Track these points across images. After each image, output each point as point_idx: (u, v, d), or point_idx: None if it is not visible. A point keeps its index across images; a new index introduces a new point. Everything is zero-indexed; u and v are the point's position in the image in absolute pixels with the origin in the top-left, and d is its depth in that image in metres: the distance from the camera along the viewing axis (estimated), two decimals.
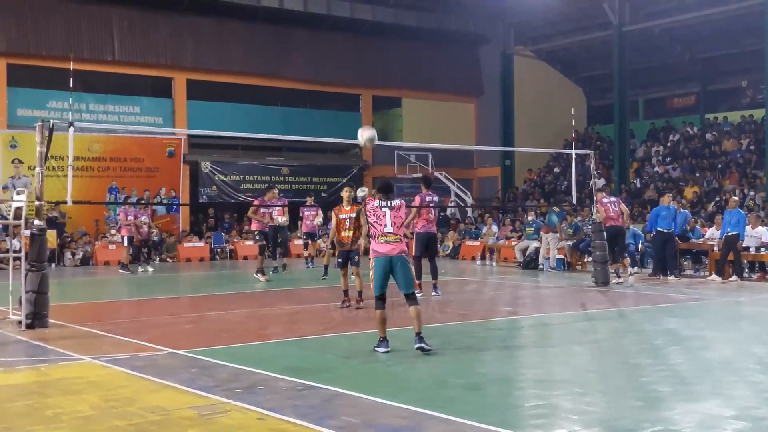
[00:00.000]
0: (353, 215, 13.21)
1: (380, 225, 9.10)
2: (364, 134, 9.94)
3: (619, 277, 17.42)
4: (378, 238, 9.09)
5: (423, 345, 8.76)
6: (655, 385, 7.26)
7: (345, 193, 13.47)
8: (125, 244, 22.08)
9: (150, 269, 22.16)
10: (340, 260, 13.34)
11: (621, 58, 31.54)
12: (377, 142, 10.54)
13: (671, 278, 18.49)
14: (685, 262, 20.60)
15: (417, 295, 12.40)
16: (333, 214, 13.57)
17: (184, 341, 9.81)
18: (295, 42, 31.87)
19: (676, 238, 19.45)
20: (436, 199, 15.67)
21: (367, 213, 9.30)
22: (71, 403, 6.72)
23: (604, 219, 17.59)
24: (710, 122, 33.73)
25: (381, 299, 9.01)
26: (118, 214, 23.57)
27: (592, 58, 36.67)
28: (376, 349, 8.91)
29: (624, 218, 18.49)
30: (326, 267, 18.97)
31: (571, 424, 6.00)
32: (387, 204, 9.18)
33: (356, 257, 13.35)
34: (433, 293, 14.60)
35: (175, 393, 7.06)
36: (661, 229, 18.89)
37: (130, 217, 21.76)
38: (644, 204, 27.84)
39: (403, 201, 9.44)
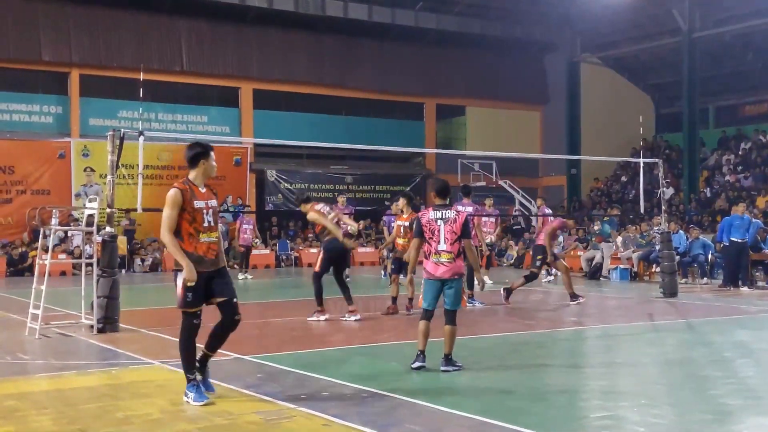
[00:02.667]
0: (407, 224, 13.27)
1: (434, 241, 8.28)
2: None
3: (550, 275, 20.28)
4: (431, 256, 8.30)
5: (448, 368, 8.27)
6: (725, 398, 7.11)
7: (401, 204, 13.78)
8: None
9: (249, 276, 22.02)
10: (393, 266, 13.53)
11: (691, 65, 31.00)
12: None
13: (744, 289, 18.10)
14: (757, 273, 20.10)
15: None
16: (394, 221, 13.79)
17: (250, 347, 9.91)
18: (359, 52, 32.09)
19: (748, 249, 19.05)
20: (470, 210, 14.86)
21: (423, 227, 8.40)
22: (141, 406, 6.86)
23: (541, 228, 19.19)
24: None
25: (428, 312, 8.42)
26: None
27: (661, 65, 36.08)
28: (412, 365, 8.34)
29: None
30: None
31: None
32: (442, 216, 8.33)
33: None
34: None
35: (241, 398, 7.15)
36: (735, 239, 18.51)
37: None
38: (714, 214, 27.28)
39: (460, 212, 8.54)
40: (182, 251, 6.88)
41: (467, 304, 14.02)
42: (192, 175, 7.09)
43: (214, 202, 7.11)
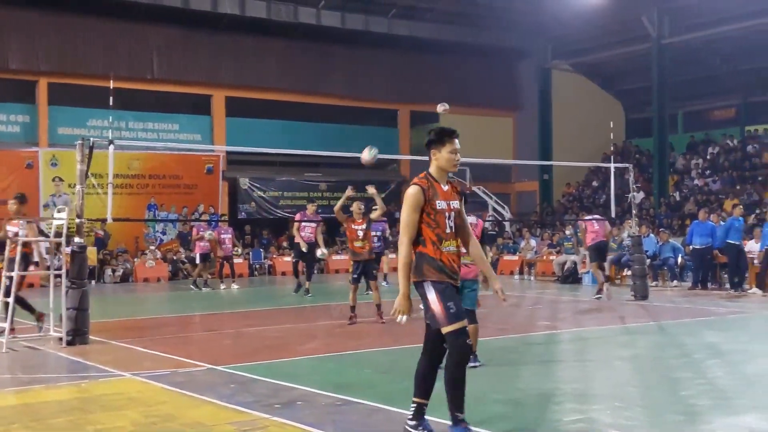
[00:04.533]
0: (364, 227, 13.34)
1: None
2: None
3: None
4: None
5: (473, 364, 8.50)
6: (696, 399, 7.18)
7: (355, 207, 13.72)
8: (198, 261, 22.27)
9: (235, 286, 21.57)
10: (355, 275, 13.24)
11: (660, 71, 31.30)
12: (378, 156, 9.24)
13: (759, 291, 18.23)
14: (725, 275, 20.32)
15: None
16: (346, 226, 13.61)
17: (223, 357, 9.86)
18: (332, 58, 32.04)
19: (716, 252, 19.29)
20: None
21: None
22: (112, 419, 6.78)
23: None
24: (751, 134, 33.30)
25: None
26: (192, 231, 23.40)
27: (631, 71, 36.39)
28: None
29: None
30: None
31: None
32: None
33: (374, 271, 13.43)
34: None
35: (214, 409, 7.09)
36: (732, 242, 18.68)
37: (203, 233, 21.81)
38: (683, 217, 27.54)
39: (479, 219, 8.99)
40: (409, 272, 5.65)
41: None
42: (432, 168, 5.83)
43: (456, 203, 5.79)
